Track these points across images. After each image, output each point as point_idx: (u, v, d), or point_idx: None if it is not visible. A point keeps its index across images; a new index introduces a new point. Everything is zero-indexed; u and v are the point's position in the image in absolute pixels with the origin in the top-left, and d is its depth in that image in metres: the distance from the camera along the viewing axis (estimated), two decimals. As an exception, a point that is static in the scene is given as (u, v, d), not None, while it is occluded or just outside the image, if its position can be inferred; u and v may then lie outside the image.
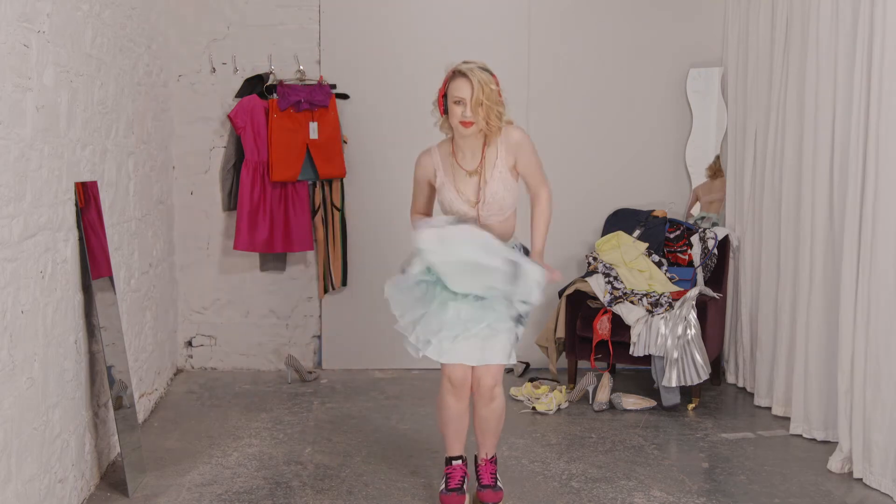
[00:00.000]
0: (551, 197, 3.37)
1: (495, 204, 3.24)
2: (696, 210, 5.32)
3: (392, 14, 5.24)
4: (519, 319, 3.21)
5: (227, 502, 3.37)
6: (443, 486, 3.36)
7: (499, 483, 3.40)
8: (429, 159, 3.34)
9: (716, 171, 5.24)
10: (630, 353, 4.56)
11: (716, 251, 4.91)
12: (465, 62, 3.15)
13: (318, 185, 5.16)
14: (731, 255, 4.98)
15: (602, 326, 4.64)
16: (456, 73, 3.14)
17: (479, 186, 3.23)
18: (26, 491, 2.78)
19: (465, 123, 3.13)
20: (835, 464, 3.71)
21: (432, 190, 3.37)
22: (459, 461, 3.38)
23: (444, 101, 3.19)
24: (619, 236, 5.02)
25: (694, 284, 4.87)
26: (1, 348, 2.59)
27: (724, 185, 5.16)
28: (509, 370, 5.22)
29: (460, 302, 3.17)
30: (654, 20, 5.31)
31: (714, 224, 5.17)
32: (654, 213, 5.17)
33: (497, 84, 3.16)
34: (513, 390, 4.73)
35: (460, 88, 3.11)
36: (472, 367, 3.26)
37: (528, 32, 5.27)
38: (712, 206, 5.25)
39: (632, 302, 4.65)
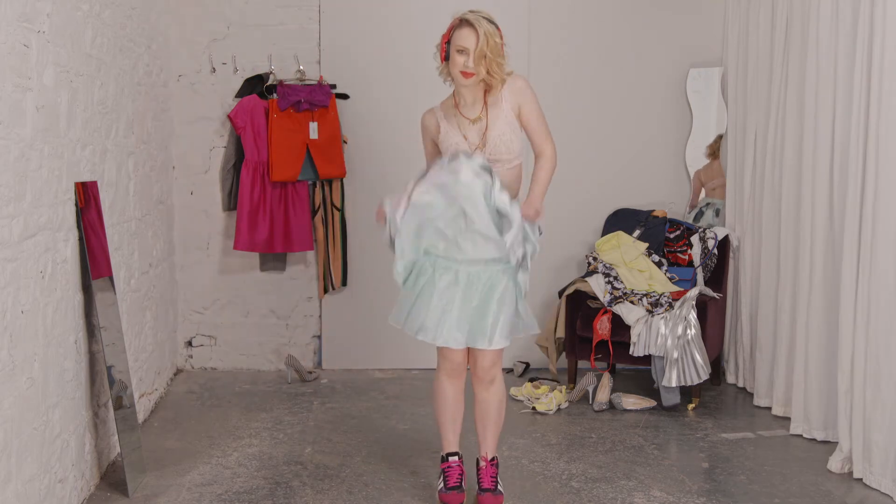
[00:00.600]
0: (556, 154, 3.31)
1: (502, 145, 3.18)
2: (701, 196, 5.31)
3: (392, 14, 5.24)
4: (523, 264, 3.17)
5: (227, 502, 3.37)
6: (441, 484, 3.36)
7: (499, 487, 3.39)
8: (431, 117, 3.34)
9: (714, 149, 5.24)
10: (630, 353, 4.56)
11: (716, 251, 4.91)
12: (471, 11, 3.09)
13: (318, 185, 5.16)
14: (731, 255, 4.98)
15: (602, 326, 4.64)
16: (462, 22, 3.08)
17: (484, 130, 3.18)
18: (26, 491, 2.78)
19: (465, 74, 3.09)
20: (835, 464, 3.71)
21: (438, 149, 3.33)
22: (456, 458, 3.37)
23: (446, 48, 3.13)
24: (619, 236, 5.02)
25: (694, 284, 4.87)
26: (1, 348, 2.59)
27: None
28: (509, 370, 5.22)
29: (462, 287, 3.16)
30: (654, 20, 5.31)
31: (718, 210, 5.18)
32: (654, 213, 5.17)
33: (501, 37, 3.12)
34: (513, 390, 4.73)
35: (465, 38, 3.06)
36: (469, 349, 3.26)
37: (528, 32, 5.26)
38: (716, 191, 5.25)
39: (632, 302, 4.65)
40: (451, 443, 3.39)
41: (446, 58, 3.14)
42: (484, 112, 3.20)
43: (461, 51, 3.06)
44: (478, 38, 3.03)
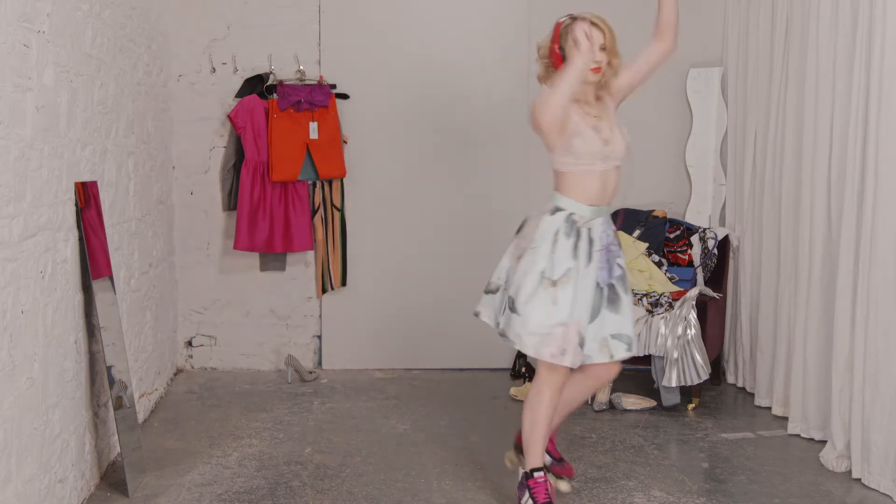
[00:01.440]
0: None
1: (620, 146, 3.17)
2: None
3: (392, 14, 5.24)
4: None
5: (227, 502, 3.37)
6: (529, 501, 3.20)
7: None
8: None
9: None
10: (630, 353, 4.55)
11: (716, 251, 4.91)
12: (585, 13, 3.15)
13: (318, 185, 5.16)
14: (731, 255, 4.98)
15: (602, 326, 4.63)
16: (584, 22, 3.12)
17: (610, 129, 3.17)
18: (26, 491, 2.78)
19: (596, 70, 3.11)
20: (829, 461, 3.72)
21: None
22: (542, 472, 3.22)
23: (560, 51, 3.14)
24: (619, 236, 5.01)
25: (694, 284, 4.87)
26: (1, 348, 2.59)
27: None
28: (511, 369, 5.23)
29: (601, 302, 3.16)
30: (653, 20, 5.29)
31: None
32: (654, 213, 5.16)
33: None
34: (513, 390, 4.73)
35: (593, 34, 3.09)
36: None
37: (527, 32, 5.26)
38: None
39: (632, 302, 4.65)
40: (540, 457, 3.23)
41: (563, 60, 3.11)
42: (604, 113, 3.20)
43: None
44: (604, 34, 3.10)
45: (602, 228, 3.17)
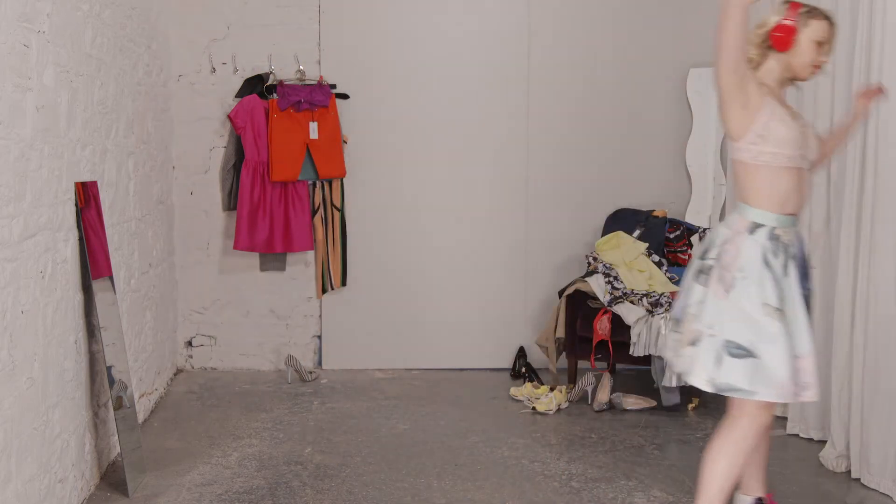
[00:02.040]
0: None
1: (816, 145, 2.87)
2: None
3: (392, 14, 5.24)
4: None
5: (227, 502, 3.37)
6: None
7: None
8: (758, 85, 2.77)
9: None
10: (630, 353, 4.56)
11: (716, 251, 4.90)
12: (819, 9, 2.86)
13: (317, 185, 5.16)
14: (731, 255, 4.97)
15: (602, 326, 4.64)
16: (820, 14, 2.81)
17: (802, 124, 2.85)
18: (26, 491, 2.78)
19: (818, 67, 2.85)
20: (829, 461, 3.72)
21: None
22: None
23: (795, 37, 2.78)
24: (619, 236, 5.02)
25: (694, 284, 4.86)
26: (1, 348, 2.59)
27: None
28: (511, 369, 5.24)
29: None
30: (654, 20, 5.30)
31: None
32: (655, 213, 5.17)
33: None
34: (513, 390, 4.74)
35: (827, 31, 2.80)
36: None
37: (528, 32, 5.27)
38: None
39: (632, 302, 4.65)
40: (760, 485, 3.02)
41: (789, 47, 2.79)
42: (795, 112, 2.88)
43: (822, 43, 2.81)
44: (835, 35, 2.85)
45: (799, 240, 2.83)
